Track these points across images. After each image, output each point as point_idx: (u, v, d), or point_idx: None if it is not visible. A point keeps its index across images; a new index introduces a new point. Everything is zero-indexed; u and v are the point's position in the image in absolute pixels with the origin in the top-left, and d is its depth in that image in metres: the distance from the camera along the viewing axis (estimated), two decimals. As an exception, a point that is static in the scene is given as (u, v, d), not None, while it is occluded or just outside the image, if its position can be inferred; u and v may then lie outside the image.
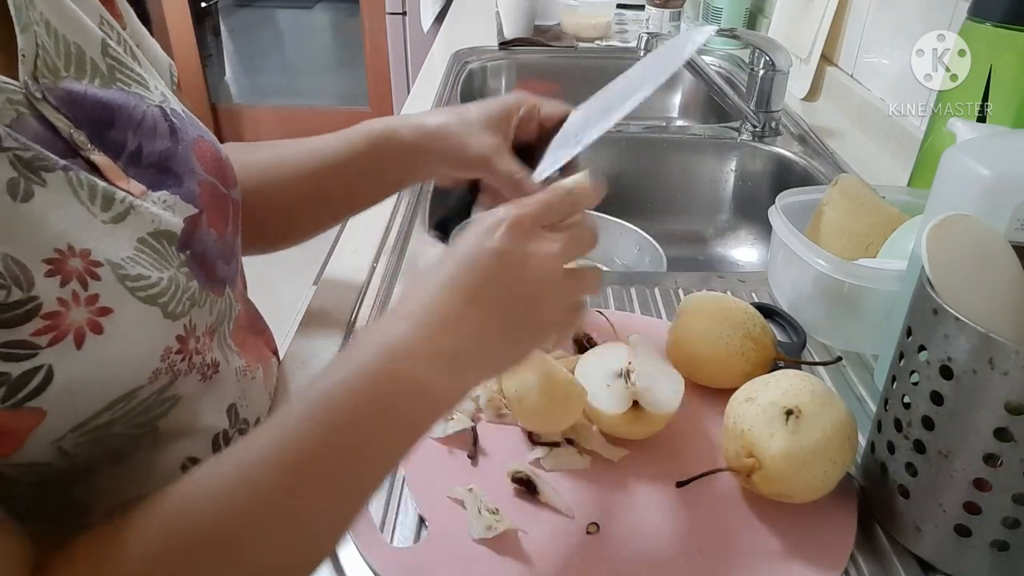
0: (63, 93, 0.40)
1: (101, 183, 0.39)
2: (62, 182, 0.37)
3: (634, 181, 1.16)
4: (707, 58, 1.37)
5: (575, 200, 0.44)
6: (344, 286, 0.73)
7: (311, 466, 0.36)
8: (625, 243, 0.97)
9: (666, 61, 0.53)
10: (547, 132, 0.59)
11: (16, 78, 0.38)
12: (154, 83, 0.47)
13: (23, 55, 0.38)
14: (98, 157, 0.40)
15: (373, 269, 0.76)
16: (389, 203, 0.88)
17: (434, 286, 0.40)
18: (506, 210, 0.42)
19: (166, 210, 0.43)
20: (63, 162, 0.37)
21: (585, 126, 0.54)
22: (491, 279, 0.40)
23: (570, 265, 0.43)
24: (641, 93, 0.50)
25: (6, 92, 0.36)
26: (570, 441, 0.54)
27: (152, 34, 0.54)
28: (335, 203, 0.65)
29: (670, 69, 0.51)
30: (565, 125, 0.58)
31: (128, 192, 0.41)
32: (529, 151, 0.59)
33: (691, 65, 1.07)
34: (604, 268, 0.97)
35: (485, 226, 0.41)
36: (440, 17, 2.09)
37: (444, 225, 0.62)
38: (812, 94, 1.26)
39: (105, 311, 0.37)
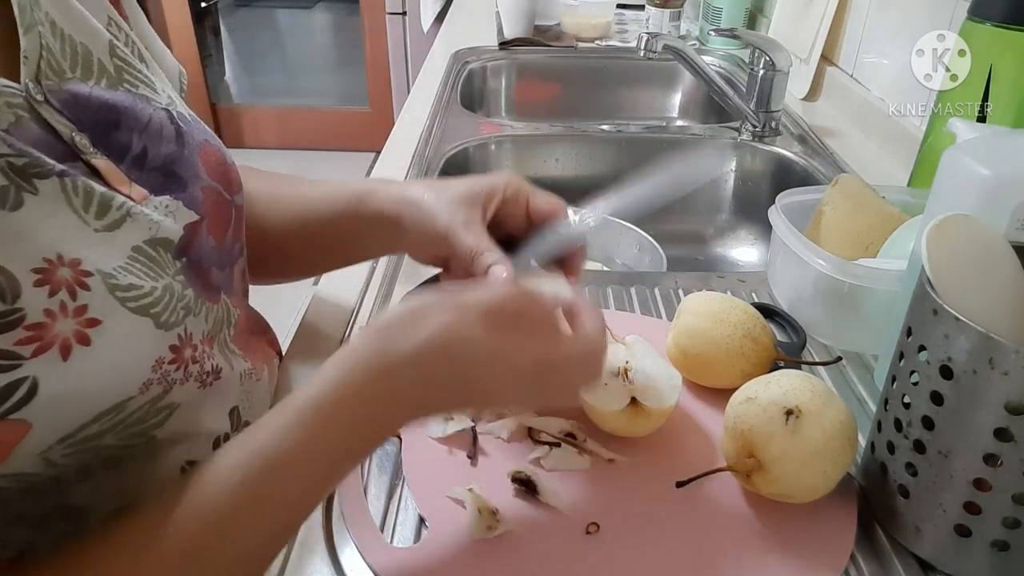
0: (67, 95, 0.39)
1: (99, 189, 0.39)
2: (56, 189, 0.36)
3: (634, 181, 1.16)
4: (707, 58, 1.37)
5: (551, 302, 0.43)
6: (344, 286, 0.73)
7: (265, 484, 0.38)
8: (625, 243, 0.97)
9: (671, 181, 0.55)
10: (536, 227, 0.53)
11: (18, 80, 0.37)
12: (161, 86, 0.47)
13: (25, 56, 0.38)
14: (100, 161, 0.40)
15: (373, 269, 0.76)
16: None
17: (391, 360, 0.40)
18: (486, 294, 0.41)
19: (167, 216, 0.42)
20: (60, 167, 0.37)
21: (585, 222, 0.52)
22: (450, 368, 0.40)
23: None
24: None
25: (5, 96, 0.36)
26: (571, 437, 0.54)
27: (151, 34, 0.54)
28: (312, 259, 0.64)
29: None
30: (558, 220, 0.53)
31: (128, 197, 0.40)
32: (514, 242, 0.53)
33: (691, 65, 1.07)
34: (604, 268, 0.97)
35: (460, 305, 0.40)
36: (440, 17, 2.09)
37: None
38: (812, 94, 1.26)
39: (93, 322, 0.36)
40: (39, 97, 0.38)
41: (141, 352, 0.39)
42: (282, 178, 0.63)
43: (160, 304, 0.40)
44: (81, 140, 0.39)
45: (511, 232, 0.53)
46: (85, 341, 0.36)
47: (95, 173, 0.39)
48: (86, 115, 0.40)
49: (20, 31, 0.38)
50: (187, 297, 0.42)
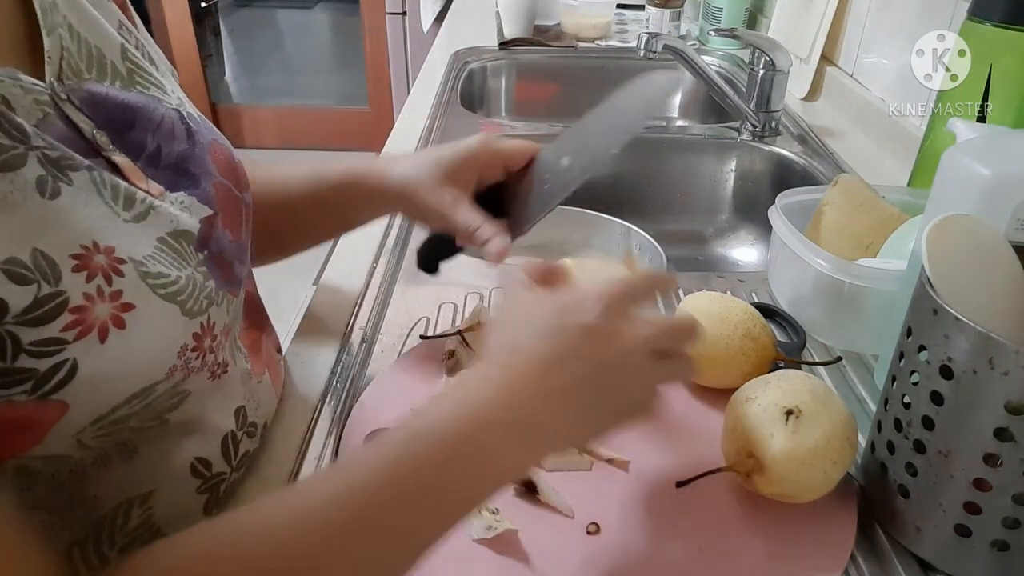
0: (86, 95, 0.40)
1: (123, 183, 0.40)
2: (87, 181, 0.38)
3: (634, 181, 1.16)
4: (707, 58, 1.37)
5: (654, 285, 0.46)
6: (344, 286, 0.73)
7: (373, 512, 0.36)
8: (625, 243, 0.97)
9: (639, 105, 0.55)
10: (514, 172, 0.60)
11: (42, 79, 0.38)
12: (171, 87, 0.48)
13: (49, 56, 0.39)
14: (119, 158, 0.41)
15: (373, 269, 0.76)
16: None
17: (520, 349, 0.41)
18: (598, 288, 0.42)
19: (183, 211, 0.44)
20: (87, 162, 0.38)
21: (562, 165, 0.55)
22: (577, 354, 0.40)
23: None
24: (627, 133, 0.51)
25: (33, 93, 0.37)
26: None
27: (152, 34, 0.54)
28: (318, 228, 0.67)
29: (646, 113, 0.53)
30: (535, 165, 0.59)
31: (148, 192, 0.42)
32: (496, 190, 0.59)
33: (691, 65, 1.07)
34: (604, 268, 0.97)
35: (576, 299, 0.42)
36: (440, 17, 2.09)
37: (428, 264, 0.62)
38: (812, 94, 1.26)
39: (128, 307, 0.37)
40: (63, 95, 0.39)
41: (169, 338, 0.40)
42: (274, 165, 0.66)
43: (185, 292, 0.41)
44: (101, 137, 0.40)
45: (490, 183, 0.60)
46: (121, 325, 0.37)
47: (115, 169, 0.41)
48: (103, 114, 0.41)
49: (43, 32, 0.39)
50: (209, 288, 0.43)
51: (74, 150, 0.38)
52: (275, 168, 0.64)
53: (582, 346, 0.41)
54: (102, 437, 0.39)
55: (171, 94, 0.47)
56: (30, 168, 0.35)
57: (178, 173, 0.45)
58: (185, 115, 0.47)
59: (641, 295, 0.44)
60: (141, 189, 0.41)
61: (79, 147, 0.39)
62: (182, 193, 0.44)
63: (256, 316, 0.57)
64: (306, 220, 0.64)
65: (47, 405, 0.35)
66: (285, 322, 0.76)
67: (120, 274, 0.37)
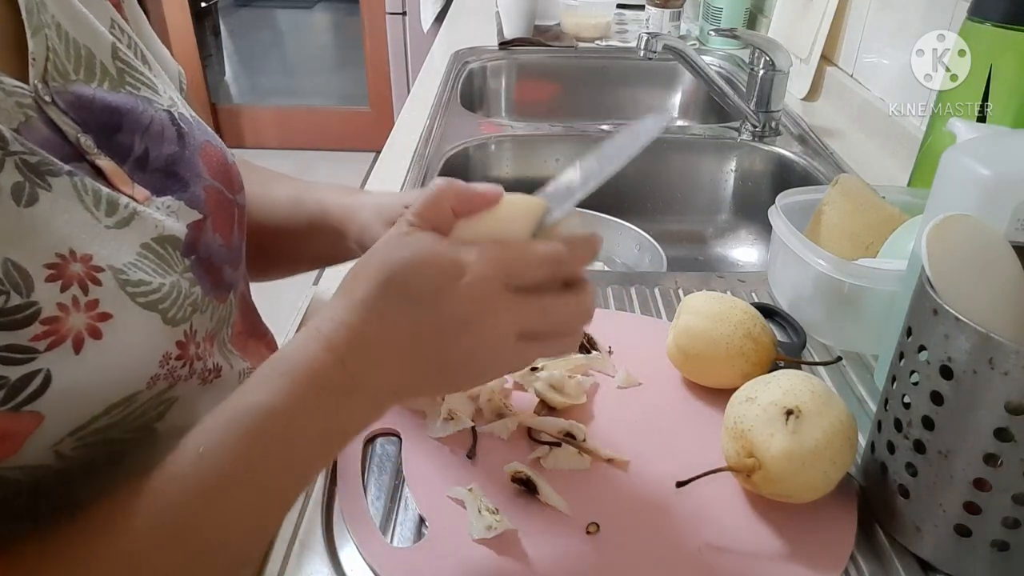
0: (72, 97, 0.40)
1: (105, 189, 0.39)
2: (67, 187, 0.37)
3: (634, 181, 1.16)
4: (707, 58, 1.37)
5: (556, 262, 0.39)
6: (344, 286, 0.73)
7: (226, 485, 0.36)
8: (625, 243, 0.97)
9: (623, 148, 0.47)
10: None
11: (27, 81, 0.38)
12: (163, 87, 0.47)
13: (33, 58, 0.38)
14: (104, 162, 0.40)
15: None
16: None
17: (370, 325, 0.38)
18: (476, 258, 0.38)
19: (169, 215, 0.43)
20: (67, 167, 0.37)
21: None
22: (433, 340, 0.38)
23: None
24: (608, 168, 0.43)
25: (15, 96, 0.37)
26: (571, 437, 0.54)
27: (153, 34, 0.54)
28: (304, 256, 0.66)
29: (627, 154, 0.45)
30: None
31: (132, 198, 0.41)
32: None
33: (691, 65, 1.08)
34: (604, 268, 0.97)
35: (446, 270, 0.38)
36: (440, 17, 2.09)
37: None
38: (812, 94, 1.26)
39: (105, 316, 0.37)
40: (47, 98, 0.38)
41: (149, 346, 0.39)
42: (255, 177, 0.64)
43: (168, 300, 0.40)
44: (86, 141, 0.40)
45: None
46: (97, 335, 0.36)
47: (99, 174, 0.40)
48: (90, 117, 0.41)
49: (28, 33, 0.38)
50: (195, 294, 0.43)
51: (57, 154, 0.37)
52: (265, 183, 0.64)
53: (435, 336, 0.38)
54: (82, 447, 0.38)
55: (163, 94, 0.46)
56: (7, 174, 0.34)
57: (167, 176, 0.44)
58: (176, 116, 0.46)
59: (535, 272, 0.39)
60: (125, 194, 0.41)
61: (62, 151, 0.38)
62: (169, 197, 0.43)
63: (250, 320, 0.57)
64: (292, 246, 0.64)
65: (21, 416, 0.34)
66: (285, 322, 0.75)
67: (97, 283, 0.37)
